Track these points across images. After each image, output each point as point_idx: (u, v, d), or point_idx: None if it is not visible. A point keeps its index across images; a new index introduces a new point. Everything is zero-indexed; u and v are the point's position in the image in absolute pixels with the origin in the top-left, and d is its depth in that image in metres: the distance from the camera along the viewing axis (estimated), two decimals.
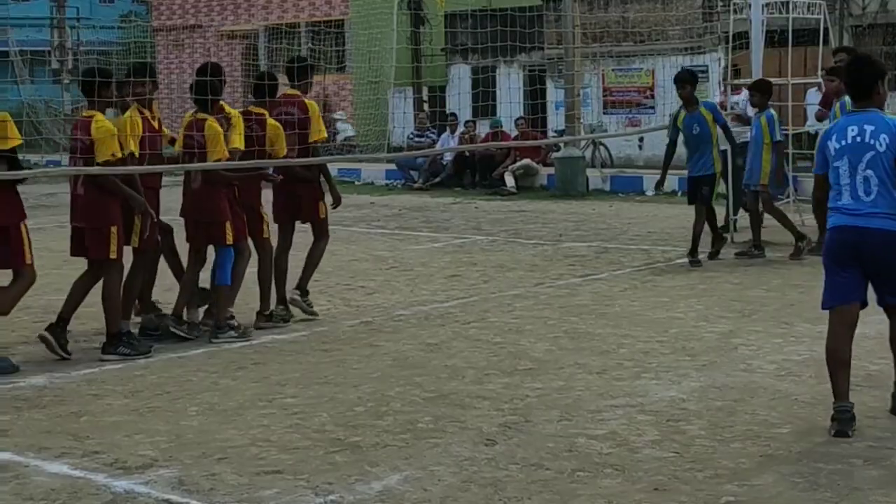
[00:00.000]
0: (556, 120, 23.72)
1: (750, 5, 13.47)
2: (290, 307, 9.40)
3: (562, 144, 20.56)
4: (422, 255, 13.26)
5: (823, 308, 6.46)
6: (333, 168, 22.24)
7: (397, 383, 7.32)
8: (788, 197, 13.68)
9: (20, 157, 8.27)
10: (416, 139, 23.99)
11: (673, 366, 7.61)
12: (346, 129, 26.60)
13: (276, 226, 9.52)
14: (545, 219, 16.67)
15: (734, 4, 14.56)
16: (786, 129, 14.08)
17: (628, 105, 24.77)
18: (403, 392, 7.10)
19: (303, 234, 9.79)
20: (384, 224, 16.29)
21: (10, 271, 8.10)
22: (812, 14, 14.21)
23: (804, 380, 7.19)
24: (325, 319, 9.57)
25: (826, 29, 14.07)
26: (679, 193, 17.76)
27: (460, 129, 22.95)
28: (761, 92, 12.43)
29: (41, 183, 19.83)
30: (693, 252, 11.80)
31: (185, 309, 8.87)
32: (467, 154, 21.98)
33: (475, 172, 22.06)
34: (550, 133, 23.63)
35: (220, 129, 8.74)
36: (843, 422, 6.02)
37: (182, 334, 8.72)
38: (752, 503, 5.10)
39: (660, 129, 13.42)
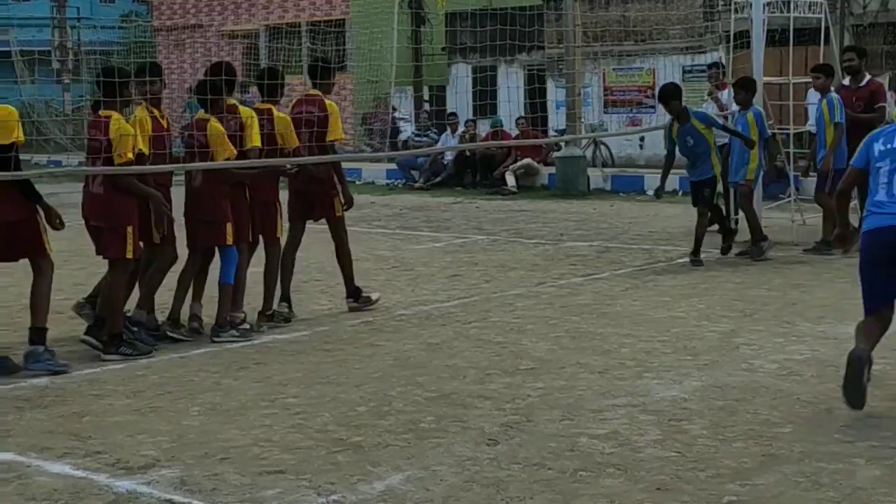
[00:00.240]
0: (556, 119, 23.72)
1: (751, 4, 13.45)
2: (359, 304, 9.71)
3: (563, 144, 20.57)
4: (423, 254, 13.27)
5: (867, 313, 6.50)
6: None
7: (399, 383, 7.32)
8: (790, 196, 13.66)
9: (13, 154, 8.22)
10: (417, 139, 23.99)
11: (675, 365, 7.61)
12: (406, 130, 26.46)
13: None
14: (546, 218, 16.67)
15: (735, 4, 14.53)
16: (787, 129, 14.08)
17: (629, 104, 24.77)
18: (405, 392, 7.10)
19: (313, 234, 9.80)
20: (385, 224, 16.30)
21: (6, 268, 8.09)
22: (813, 13, 14.19)
23: (806, 379, 7.18)
24: (327, 319, 9.57)
25: (827, 28, 14.04)
26: (680, 193, 17.78)
27: (461, 128, 22.95)
28: (746, 89, 12.42)
29: (43, 183, 19.79)
30: (696, 252, 11.80)
31: (180, 311, 8.89)
32: (468, 153, 21.99)
33: (476, 172, 22.06)
34: (551, 132, 23.63)
35: (222, 128, 8.75)
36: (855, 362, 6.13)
37: (180, 337, 8.72)
38: (755, 503, 5.10)
39: (660, 128, 13.40)
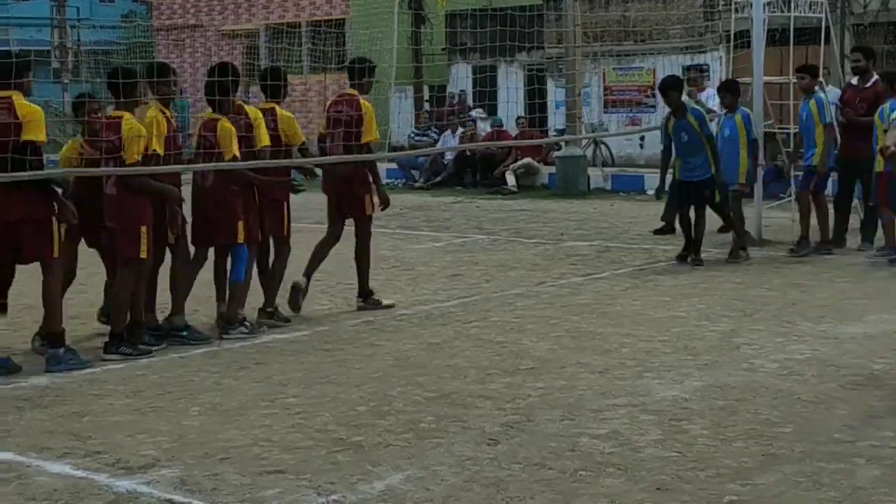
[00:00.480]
0: (556, 119, 23.71)
1: (751, 4, 13.44)
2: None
3: (563, 143, 20.56)
4: (423, 254, 13.26)
5: None
6: None
7: (399, 383, 7.31)
8: (790, 196, 13.66)
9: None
10: (417, 138, 23.98)
11: (675, 365, 7.60)
12: (485, 127, 26.27)
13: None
14: (546, 218, 16.67)
15: (735, 3, 14.53)
16: (787, 128, 14.08)
17: (629, 104, 24.77)
18: (405, 392, 7.10)
19: (313, 235, 9.80)
20: (385, 223, 16.25)
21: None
22: (813, 13, 14.18)
23: (806, 379, 7.18)
24: (327, 319, 9.57)
25: (827, 28, 14.04)
26: None
27: (461, 128, 22.94)
28: (731, 92, 12.40)
29: None
30: (696, 252, 11.78)
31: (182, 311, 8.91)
32: (468, 153, 21.99)
33: (476, 172, 22.07)
34: (551, 132, 23.62)
35: (232, 128, 8.79)
36: None
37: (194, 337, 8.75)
38: (755, 503, 5.09)
39: (659, 128, 13.40)
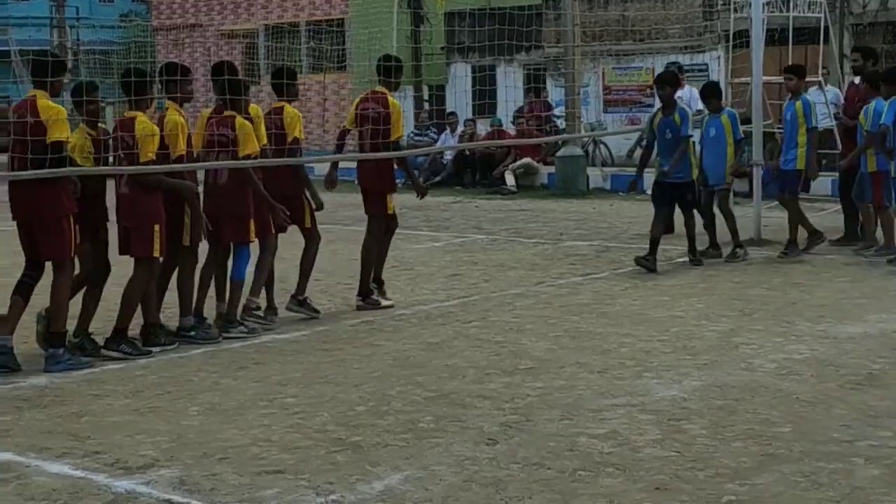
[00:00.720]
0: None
1: (750, 4, 13.45)
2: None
3: (562, 143, 20.55)
4: (422, 254, 13.26)
5: None
6: None
7: (398, 383, 7.31)
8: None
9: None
10: (416, 138, 23.97)
11: (674, 365, 7.60)
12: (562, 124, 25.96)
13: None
14: (546, 217, 16.67)
15: (734, 3, 14.56)
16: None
17: (628, 104, 24.75)
18: (404, 391, 7.10)
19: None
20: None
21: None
22: (812, 13, 14.21)
23: (805, 379, 7.18)
24: (326, 319, 9.57)
25: (826, 27, 14.06)
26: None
27: (460, 127, 22.94)
28: (714, 96, 12.36)
29: None
30: (692, 251, 11.78)
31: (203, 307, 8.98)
32: (467, 153, 21.98)
33: (475, 171, 22.05)
34: None
35: (249, 125, 8.87)
36: None
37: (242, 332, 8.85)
38: (754, 502, 5.09)
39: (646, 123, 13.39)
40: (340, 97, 29.89)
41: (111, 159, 8.48)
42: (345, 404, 6.83)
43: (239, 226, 8.87)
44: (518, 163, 21.28)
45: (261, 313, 9.24)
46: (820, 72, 15.75)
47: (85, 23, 38.42)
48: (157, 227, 8.27)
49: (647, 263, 11.31)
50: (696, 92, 13.11)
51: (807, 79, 15.92)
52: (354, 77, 29.28)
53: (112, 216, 8.50)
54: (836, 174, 13.35)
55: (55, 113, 7.84)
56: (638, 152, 13.19)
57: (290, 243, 9.85)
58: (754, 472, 5.45)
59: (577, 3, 21.19)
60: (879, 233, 12.07)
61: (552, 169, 21.04)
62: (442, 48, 28.24)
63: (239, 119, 8.87)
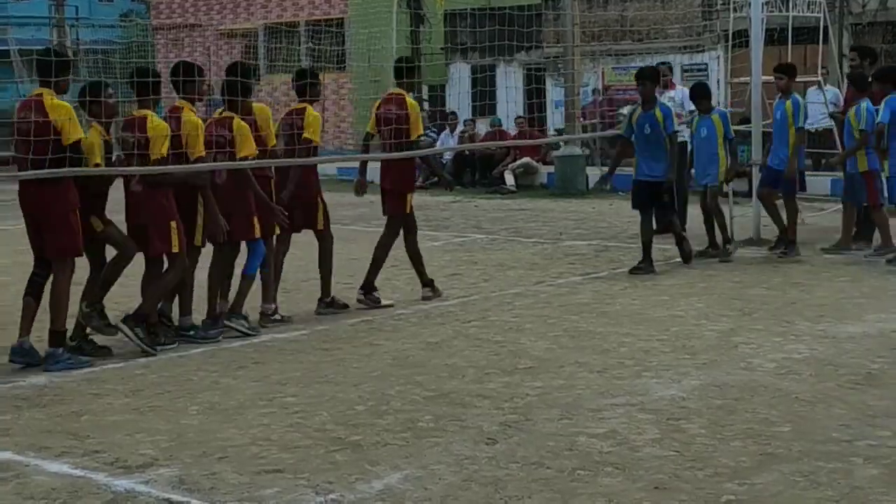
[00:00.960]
0: (555, 118, 23.68)
1: (749, 3, 13.45)
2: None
3: (561, 143, 20.55)
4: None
5: None
6: (332, 167, 22.27)
7: (398, 382, 7.31)
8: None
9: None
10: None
11: (673, 364, 7.61)
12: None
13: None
14: (545, 217, 16.67)
15: (734, 2, 14.56)
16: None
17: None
18: (404, 391, 7.10)
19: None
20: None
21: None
22: (812, 12, 14.21)
23: (804, 378, 7.18)
24: (326, 318, 9.58)
25: (826, 27, 14.06)
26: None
27: (460, 127, 22.94)
28: (704, 97, 12.34)
29: None
30: (680, 243, 11.59)
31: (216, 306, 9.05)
32: (467, 153, 21.98)
33: (475, 171, 22.06)
34: (550, 132, 23.60)
35: (247, 126, 8.90)
36: None
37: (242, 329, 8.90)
38: (753, 502, 5.10)
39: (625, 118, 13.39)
40: (340, 97, 29.88)
41: (112, 158, 8.50)
42: (344, 404, 6.83)
43: (243, 224, 8.89)
44: (517, 162, 21.29)
45: (278, 316, 9.34)
46: (819, 71, 15.77)
47: (84, 22, 38.35)
48: (174, 224, 8.34)
49: (643, 270, 11.26)
50: (688, 92, 13.10)
51: (806, 79, 15.98)
52: (354, 77, 29.29)
53: (112, 216, 8.50)
54: (840, 174, 13.34)
55: (66, 112, 7.84)
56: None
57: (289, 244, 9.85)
58: (753, 472, 5.45)
59: (576, 3, 21.20)
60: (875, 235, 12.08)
61: (552, 169, 21.04)
62: (442, 48, 28.26)
63: (237, 121, 8.88)
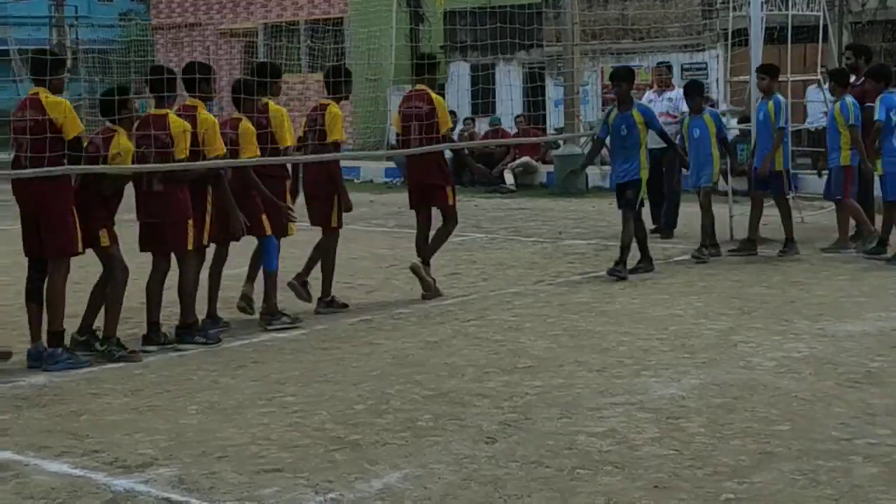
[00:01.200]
0: (555, 117, 23.69)
1: (749, 2, 13.45)
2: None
3: (561, 142, 20.55)
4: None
5: None
6: None
7: (397, 381, 7.32)
8: (789, 195, 13.64)
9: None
10: None
11: (673, 363, 7.61)
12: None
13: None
14: (545, 216, 16.68)
15: (733, 1, 14.56)
16: (786, 126, 14.07)
17: None
18: (403, 390, 7.10)
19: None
20: (384, 222, 16.28)
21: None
22: (811, 11, 14.19)
23: (804, 377, 7.18)
24: (325, 318, 9.58)
25: (825, 26, 14.05)
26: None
27: (459, 126, 22.93)
28: (697, 94, 12.35)
29: None
30: (621, 261, 11.09)
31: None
32: (466, 152, 21.94)
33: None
34: (550, 131, 23.60)
35: (252, 128, 8.94)
36: None
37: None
38: (752, 500, 5.10)
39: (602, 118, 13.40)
40: None
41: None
42: (343, 403, 6.83)
43: (251, 221, 8.92)
44: (517, 161, 21.28)
45: (287, 315, 9.31)
46: (819, 70, 15.75)
47: (84, 22, 38.39)
48: (190, 222, 8.41)
49: (641, 269, 11.24)
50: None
51: (806, 77, 15.98)
52: (353, 76, 29.29)
53: (121, 215, 8.50)
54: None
55: (64, 109, 7.85)
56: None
57: (286, 243, 9.84)
58: (753, 471, 5.45)
59: (576, 1, 21.20)
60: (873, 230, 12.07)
61: (551, 168, 21.04)
62: (441, 47, 28.27)
63: (244, 123, 8.95)
